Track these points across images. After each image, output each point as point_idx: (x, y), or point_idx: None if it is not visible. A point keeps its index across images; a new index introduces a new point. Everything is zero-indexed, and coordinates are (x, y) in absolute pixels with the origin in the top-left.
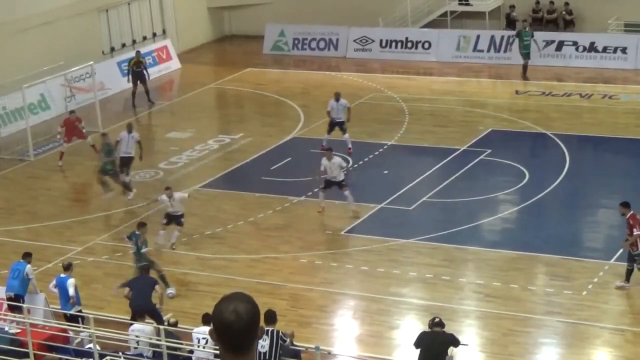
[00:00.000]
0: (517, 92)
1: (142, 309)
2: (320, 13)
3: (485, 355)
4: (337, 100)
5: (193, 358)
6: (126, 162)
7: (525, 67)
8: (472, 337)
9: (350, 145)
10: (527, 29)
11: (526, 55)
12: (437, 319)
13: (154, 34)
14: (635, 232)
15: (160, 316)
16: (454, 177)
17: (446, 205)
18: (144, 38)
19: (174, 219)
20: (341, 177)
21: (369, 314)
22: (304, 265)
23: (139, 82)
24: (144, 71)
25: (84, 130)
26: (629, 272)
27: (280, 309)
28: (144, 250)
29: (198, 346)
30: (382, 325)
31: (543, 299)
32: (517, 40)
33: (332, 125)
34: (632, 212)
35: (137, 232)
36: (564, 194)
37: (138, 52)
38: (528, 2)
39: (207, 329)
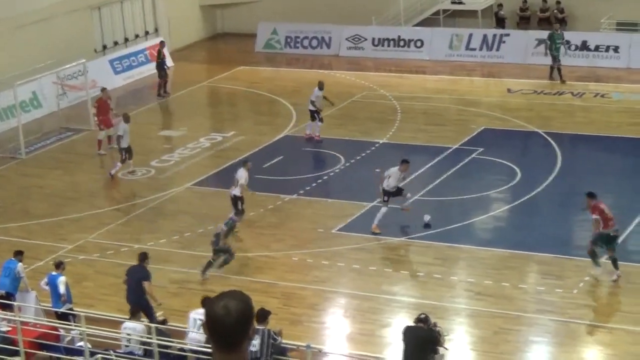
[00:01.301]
0: (509, 90)
1: (130, 302)
2: (313, 11)
3: (476, 353)
4: (322, 89)
5: (188, 339)
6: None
7: (559, 69)
8: (464, 335)
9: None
10: (558, 31)
11: (557, 57)
12: (422, 315)
13: (147, 32)
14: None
15: (150, 312)
16: (446, 175)
17: (439, 204)
18: (137, 36)
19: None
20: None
21: (361, 312)
22: (296, 264)
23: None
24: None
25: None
26: (614, 261)
27: (272, 307)
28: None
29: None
30: (373, 324)
31: (534, 297)
32: (548, 42)
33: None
34: (595, 201)
35: (234, 217)
36: (556, 192)
37: (162, 42)
38: (516, 0)
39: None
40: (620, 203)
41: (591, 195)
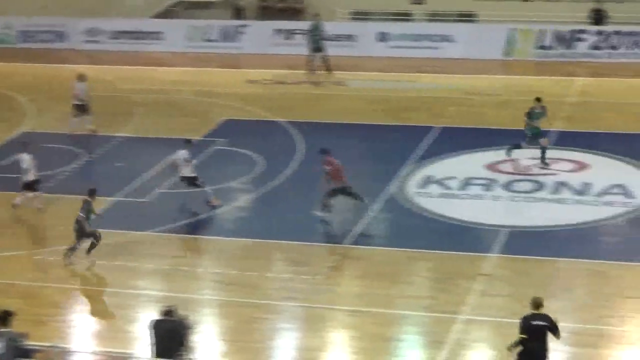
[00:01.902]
0: (249, 81)
1: None
2: (48, 4)
3: (226, 343)
4: (84, 80)
5: None
6: None
7: (324, 59)
8: (213, 326)
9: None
10: (319, 21)
11: (321, 48)
12: (166, 308)
13: None
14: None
15: None
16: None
17: (182, 196)
18: None
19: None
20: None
21: (107, 308)
22: (37, 262)
23: None
24: None
25: None
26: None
27: (13, 309)
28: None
29: None
30: (120, 319)
31: (281, 285)
32: (310, 33)
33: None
34: (329, 157)
35: (88, 199)
36: (300, 180)
37: None
38: None
39: None
40: (361, 188)
41: (324, 151)
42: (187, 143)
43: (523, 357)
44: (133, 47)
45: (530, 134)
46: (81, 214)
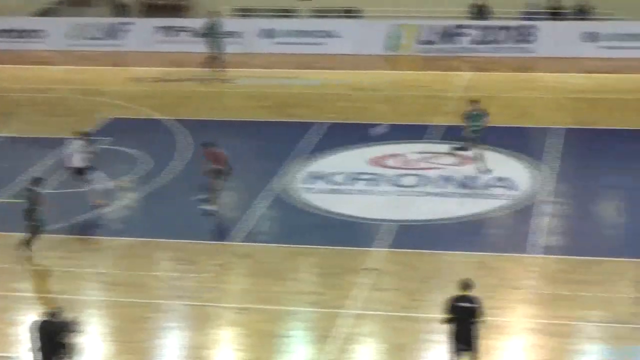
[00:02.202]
0: (134, 79)
1: None
2: None
3: (113, 343)
4: None
5: None
6: None
7: (220, 58)
8: (99, 327)
9: None
10: (217, 19)
11: (222, 46)
12: (50, 310)
13: None
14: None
15: None
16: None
17: (63, 196)
18: None
19: None
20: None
21: None
22: None
23: None
24: None
25: None
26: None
27: None
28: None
29: None
30: (1, 322)
31: (168, 283)
32: (208, 31)
33: None
34: (209, 149)
35: (33, 188)
36: (186, 179)
37: None
38: None
39: None
40: (247, 185)
41: (205, 144)
42: (84, 135)
43: (451, 337)
44: (14, 45)
45: (475, 135)
46: (29, 205)
